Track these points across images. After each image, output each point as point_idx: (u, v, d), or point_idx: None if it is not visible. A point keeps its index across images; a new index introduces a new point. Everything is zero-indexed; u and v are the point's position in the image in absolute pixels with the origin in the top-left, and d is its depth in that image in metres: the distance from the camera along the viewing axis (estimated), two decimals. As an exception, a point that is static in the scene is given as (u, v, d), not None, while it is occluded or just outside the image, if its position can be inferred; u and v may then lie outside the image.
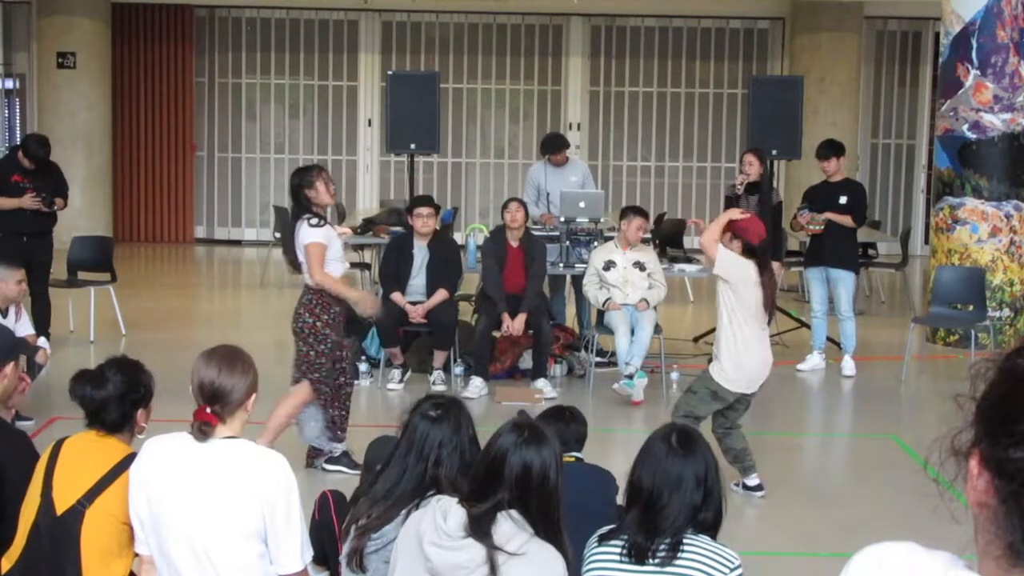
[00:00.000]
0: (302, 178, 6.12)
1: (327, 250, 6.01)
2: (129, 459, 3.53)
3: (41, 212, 8.69)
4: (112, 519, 3.45)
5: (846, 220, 8.67)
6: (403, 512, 3.27)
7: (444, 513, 3.00)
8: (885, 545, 1.36)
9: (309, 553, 3.26)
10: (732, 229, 5.71)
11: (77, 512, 3.47)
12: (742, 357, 5.72)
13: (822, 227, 8.70)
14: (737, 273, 5.66)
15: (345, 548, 3.36)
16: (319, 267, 5.97)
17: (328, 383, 6.16)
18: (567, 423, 4.37)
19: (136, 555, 3.39)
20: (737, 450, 5.91)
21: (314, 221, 6.02)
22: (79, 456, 3.56)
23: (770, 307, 5.78)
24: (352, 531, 3.34)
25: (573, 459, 4.21)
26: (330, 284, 6.02)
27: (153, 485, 3.18)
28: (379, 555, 3.27)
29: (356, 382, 8.18)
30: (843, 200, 8.70)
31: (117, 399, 3.58)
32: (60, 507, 3.48)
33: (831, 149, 8.88)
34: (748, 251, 5.69)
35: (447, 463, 3.34)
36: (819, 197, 8.85)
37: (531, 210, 9.62)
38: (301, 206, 6.11)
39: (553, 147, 9.50)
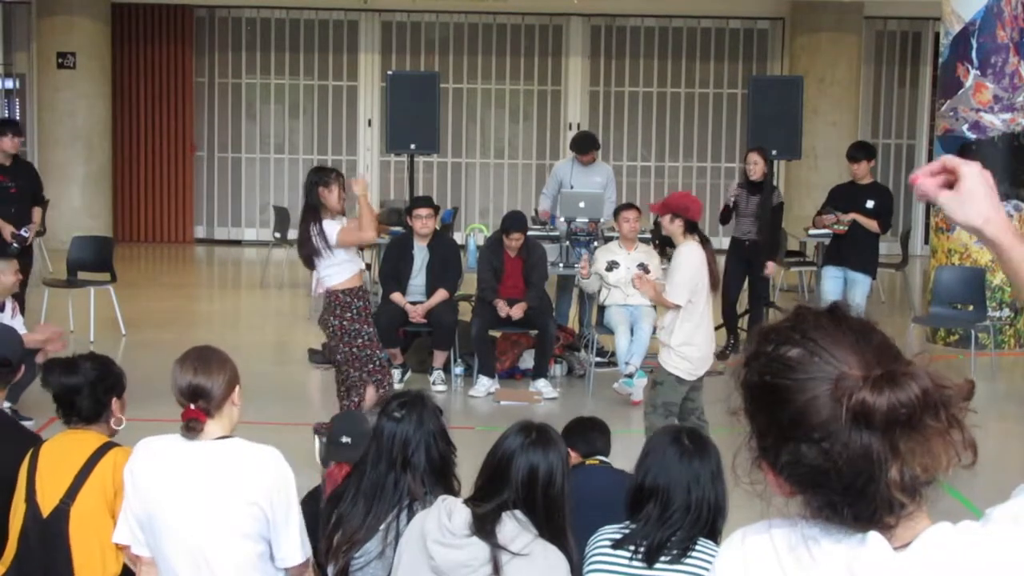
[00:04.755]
0: (320, 176, 6.30)
1: (339, 253, 6.23)
2: (104, 448, 3.54)
3: (19, 210, 8.64)
4: (98, 513, 3.46)
5: (873, 225, 8.68)
6: (382, 528, 3.25)
7: (449, 512, 3.00)
8: (740, 530, 1.49)
9: (309, 546, 3.27)
10: (673, 209, 5.79)
11: (62, 511, 3.48)
12: (694, 341, 5.81)
13: (846, 228, 8.68)
14: (695, 279, 5.75)
15: (331, 571, 3.34)
16: (359, 230, 6.23)
17: (374, 365, 6.39)
18: (601, 432, 4.38)
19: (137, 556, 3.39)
20: None
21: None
22: (57, 456, 3.57)
23: (715, 282, 5.86)
24: (335, 550, 3.31)
25: (598, 462, 4.22)
26: (362, 233, 6.27)
27: (148, 487, 3.18)
28: (364, 572, 3.25)
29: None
30: (870, 204, 8.69)
31: (89, 385, 3.61)
32: (45, 509, 3.49)
33: (862, 152, 8.86)
34: (690, 227, 5.78)
35: (414, 462, 3.31)
36: (845, 198, 8.82)
37: (543, 203, 9.63)
38: (310, 204, 6.27)
39: (583, 147, 9.51)
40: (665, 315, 5.99)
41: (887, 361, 1.33)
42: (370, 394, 6.36)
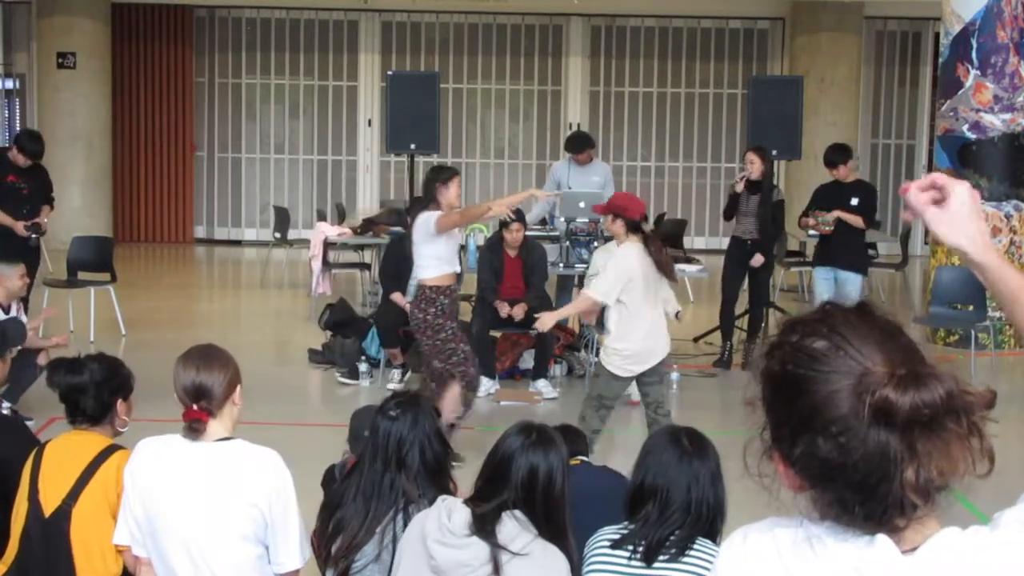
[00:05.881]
0: (437, 174, 6.39)
1: (437, 247, 6.29)
2: (108, 451, 3.54)
3: (31, 211, 8.67)
4: (100, 514, 3.45)
5: (857, 221, 8.65)
6: (378, 530, 3.25)
7: (449, 511, 3.00)
8: (742, 529, 1.48)
9: (308, 550, 3.26)
10: (613, 210, 5.83)
11: (64, 512, 3.48)
12: (627, 339, 5.82)
13: (831, 227, 8.66)
14: (622, 279, 5.76)
15: (330, 575, 3.34)
16: (451, 219, 6.24)
17: (458, 358, 6.38)
18: (578, 435, 4.39)
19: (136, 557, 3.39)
20: None
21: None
22: (61, 456, 3.57)
23: (667, 272, 5.82)
24: (334, 557, 3.30)
25: (579, 462, 4.23)
26: (464, 217, 6.41)
27: (148, 487, 3.17)
28: (362, 575, 3.26)
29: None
30: (854, 201, 8.67)
31: (95, 385, 3.61)
32: (47, 509, 3.49)
33: (840, 155, 8.81)
34: (632, 227, 5.80)
35: (407, 462, 3.31)
36: (829, 197, 8.80)
37: (538, 209, 9.62)
38: (425, 200, 6.37)
39: (577, 147, 9.50)
40: (611, 313, 6.01)
41: (913, 362, 1.33)
42: (452, 393, 6.37)
